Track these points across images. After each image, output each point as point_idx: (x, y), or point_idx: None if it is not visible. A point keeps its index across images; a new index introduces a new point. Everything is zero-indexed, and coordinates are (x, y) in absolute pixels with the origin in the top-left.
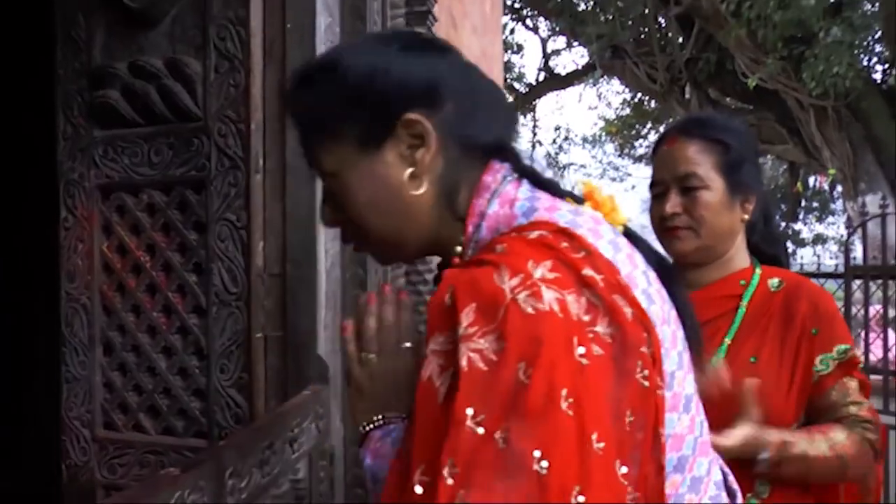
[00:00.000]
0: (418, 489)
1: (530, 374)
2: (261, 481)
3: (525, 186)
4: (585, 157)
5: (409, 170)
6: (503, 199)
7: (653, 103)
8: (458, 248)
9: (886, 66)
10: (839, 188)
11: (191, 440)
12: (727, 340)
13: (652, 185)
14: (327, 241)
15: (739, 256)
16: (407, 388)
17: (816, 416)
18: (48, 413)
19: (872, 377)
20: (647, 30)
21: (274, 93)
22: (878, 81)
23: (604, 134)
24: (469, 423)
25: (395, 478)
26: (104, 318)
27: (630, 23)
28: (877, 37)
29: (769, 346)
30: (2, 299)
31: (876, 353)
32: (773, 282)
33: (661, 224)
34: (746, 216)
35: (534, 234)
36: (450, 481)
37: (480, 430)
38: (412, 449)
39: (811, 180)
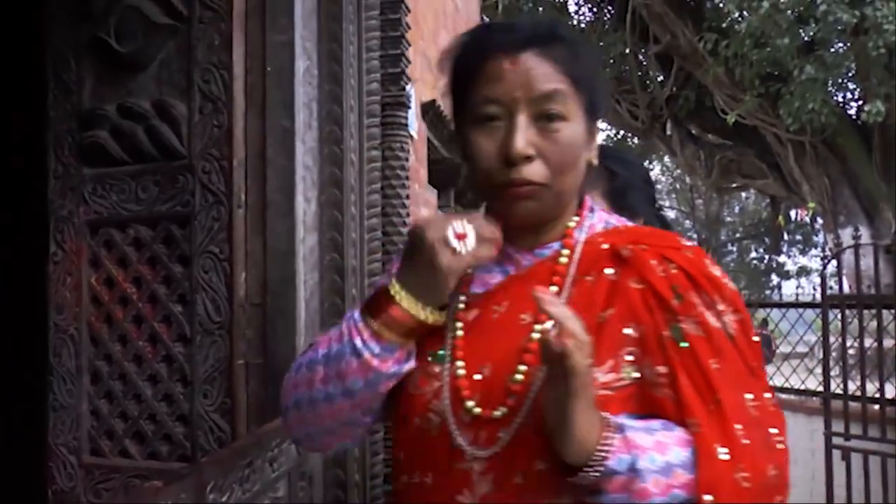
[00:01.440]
0: (754, 412)
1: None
2: (241, 497)
3: None
4: None
5: (589, 152)
6: (598, 206)
7: (635, 140)
8: (572, 224)
9: (860, 102)
10: (820, 221)
11: (175, 464)
12: None
13: None
14: (306, 273)
15: None
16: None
17: None
18: (34, 440)
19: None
20: (627, 68)
21: (255, 132)
22: (853, 117)
23: None
24: (757, 371)
25: (715, 423)
26: (92, 348)
27: (611, 61)
28: (850, 74)
29: None
30: None
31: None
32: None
33: None
34: None
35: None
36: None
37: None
38: (738, 382)
39: (793, 214)
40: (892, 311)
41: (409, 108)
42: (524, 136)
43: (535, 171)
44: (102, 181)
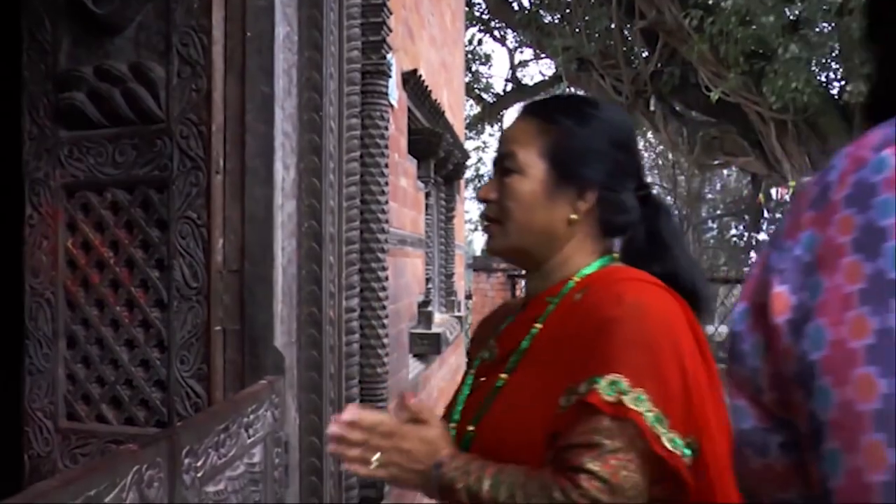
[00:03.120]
0: None
1: None
2: (217, 462)
3: None
4: None
5: None
6: None
7: None
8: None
9: (842, 82)
10: None
11: (152, 429)
12: (503, 376)
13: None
14: (284, 240)
15: (569, 265)
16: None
17: None
18: (9, 405)
19: None
20: (612, 43)
21: (234, 97)
22: (835, 97)
23: None
24: None
25: None
26: (68, 312)
27: (596, 36)
28: (833, 54)
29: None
30: None
31: None
32: (579, 294)
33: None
34: (575, 216)
35: None
36: None
37: None
38: None
39: (773, 192)
40: None
41: (390, 76)
42: None
43: None
44: (79, 144)
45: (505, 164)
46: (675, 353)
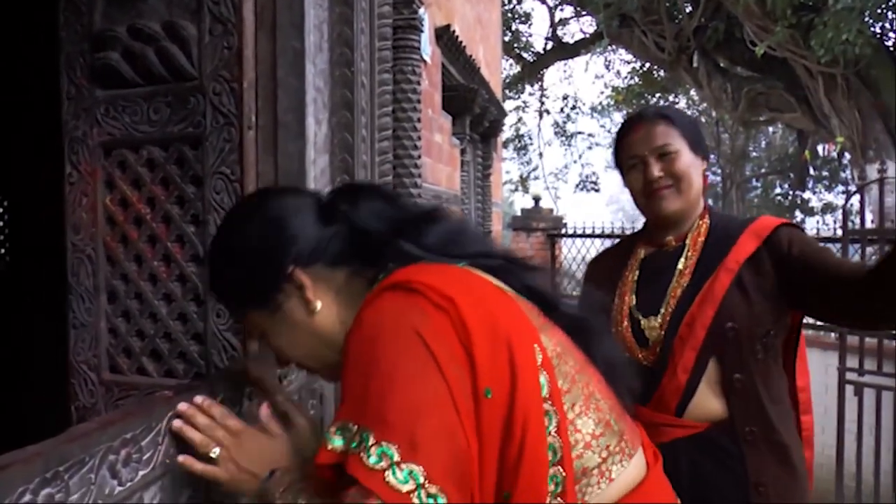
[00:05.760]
0: None
1: None
2: (253, 410)
3: None
4: (593, 126)
5: None
6: None
7: (661, 72)
8: None
9: None
10: (848, 156)
11: (191, 381)
12: None
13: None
14: None
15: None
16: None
17: None
18: (56, 358)
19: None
20: None
21: (266, 53)
22: (890, 48)
23: (612, 103)
24: None
25: None
26: (108, 267)
27: None
28: (890, 3)
29: None
30: (13, 252)
31: None
32: None
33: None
34: (311, 302)
35: None
36: None
37: None
38: None
39: (820, 149)
40: None
41: (422, 31)
42: None
43: None
44: (115, 103)
45: None
46: (399, 366)
